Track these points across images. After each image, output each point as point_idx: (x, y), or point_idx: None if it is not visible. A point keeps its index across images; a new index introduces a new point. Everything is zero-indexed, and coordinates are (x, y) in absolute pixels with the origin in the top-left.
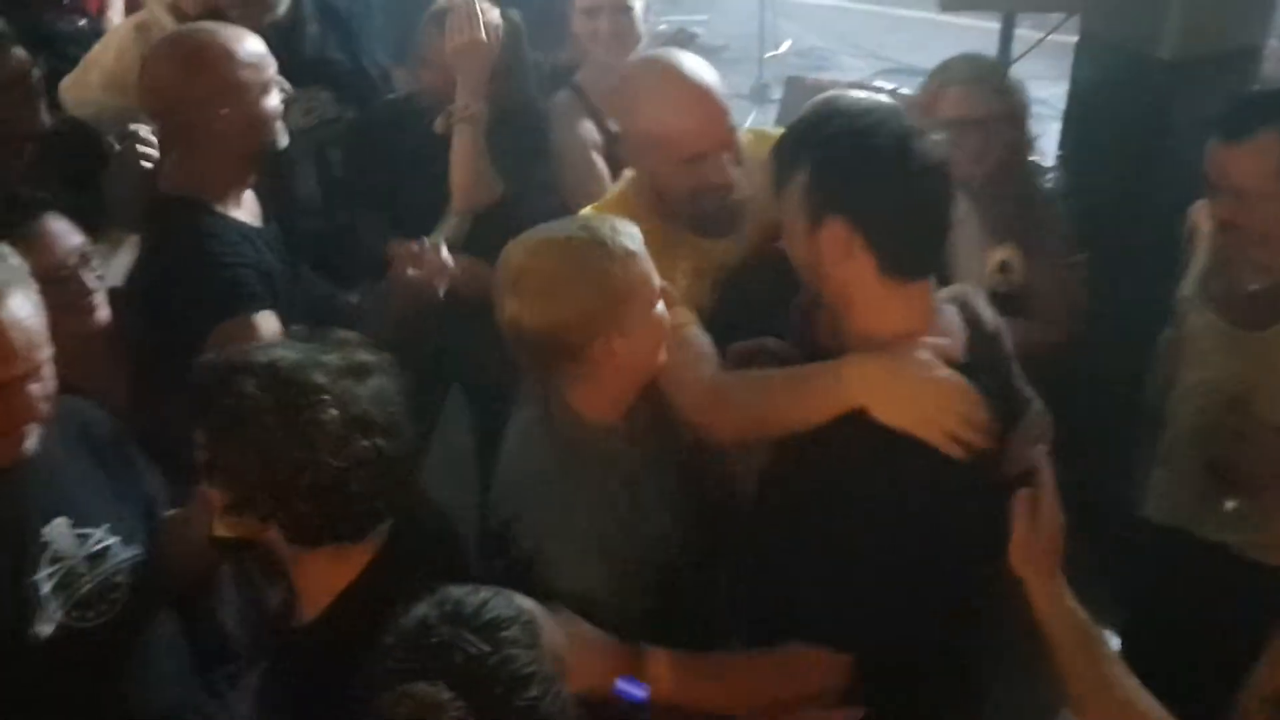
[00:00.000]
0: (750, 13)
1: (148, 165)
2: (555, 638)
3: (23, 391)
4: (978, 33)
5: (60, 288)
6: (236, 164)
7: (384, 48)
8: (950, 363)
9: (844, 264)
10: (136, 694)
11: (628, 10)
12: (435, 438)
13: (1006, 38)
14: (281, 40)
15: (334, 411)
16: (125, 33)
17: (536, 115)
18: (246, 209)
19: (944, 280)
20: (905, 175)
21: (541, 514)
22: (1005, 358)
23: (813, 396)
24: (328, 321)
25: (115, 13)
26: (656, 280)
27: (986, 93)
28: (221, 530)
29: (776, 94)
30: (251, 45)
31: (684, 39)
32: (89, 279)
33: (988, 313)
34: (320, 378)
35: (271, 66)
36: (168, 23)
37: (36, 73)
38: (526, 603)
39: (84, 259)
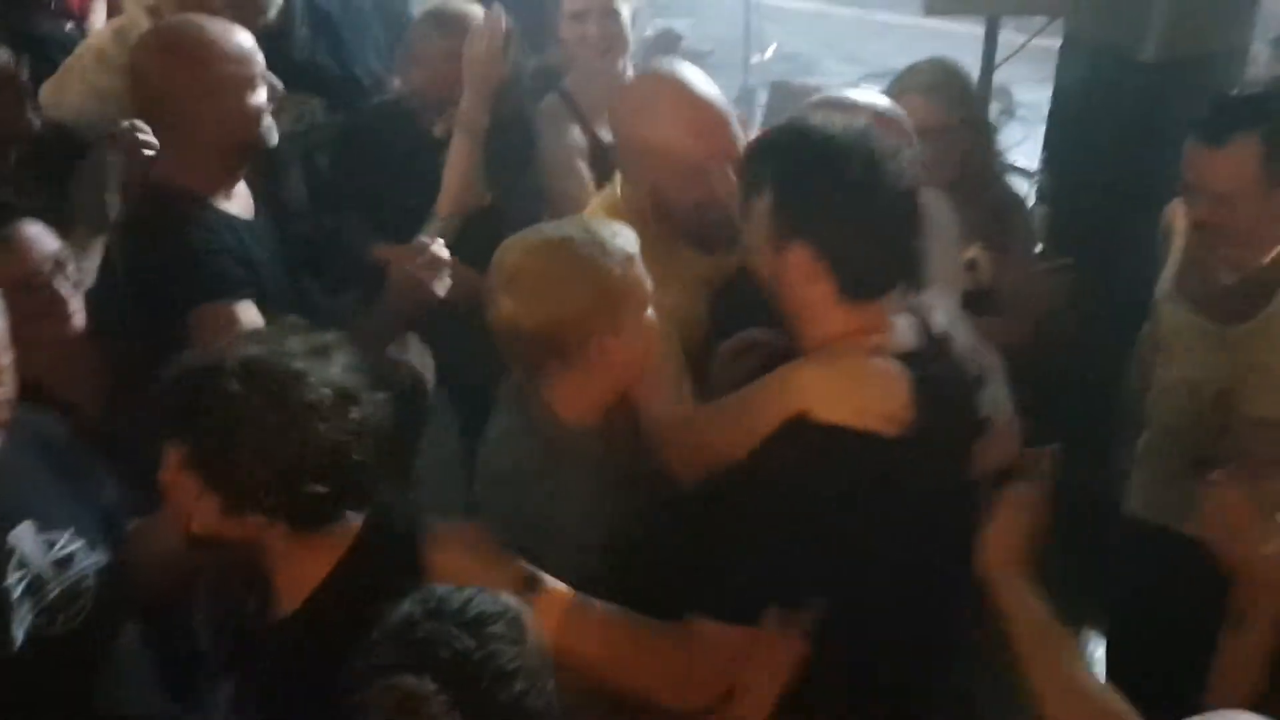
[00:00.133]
0: (735, 17)
1: (149, 153)
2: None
3: None
4: (962, 37)
5: (35, 294)
6: (223, 157)
7: (379, 56)
8: (888, 354)
9: (805, 286)
10: (104, 703)
11: (616, 15)
12: (421, 439)
13: (991, 42)
14: (272, 44)
15: (324, 390)
16: (105, 38)
17: (526, 123)
18: (237, 202)
19: (920, 285)
20: (871, 205)
21: (521, 513)
22: (953, 355)
23: (763, 408)
24: (322, 321)
25: (98, 17)
26: (650, 284)
27: (942, 101)
28: (203, 529)
29: (762, 99)
30: (239, 39)
31: (671, 40)
32: (63, 286)
33: (939, 318)
34: (296, 363)
35: (259, 62)
36: (146, 27)
37: (24, 74)
38: (511, 599)
39: (59, 265)
